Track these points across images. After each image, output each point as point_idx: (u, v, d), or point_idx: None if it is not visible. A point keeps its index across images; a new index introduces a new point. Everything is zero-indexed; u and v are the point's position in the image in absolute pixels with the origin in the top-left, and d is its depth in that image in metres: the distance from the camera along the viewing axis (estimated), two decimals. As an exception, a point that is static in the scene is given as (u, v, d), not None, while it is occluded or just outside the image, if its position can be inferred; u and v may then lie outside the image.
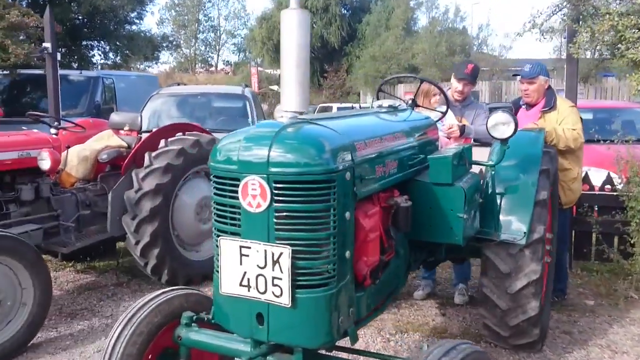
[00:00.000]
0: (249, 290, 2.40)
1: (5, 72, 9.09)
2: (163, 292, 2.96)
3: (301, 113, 2.77)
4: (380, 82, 4.75)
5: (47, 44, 7.21)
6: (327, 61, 45.56)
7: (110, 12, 23.68)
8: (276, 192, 2.31)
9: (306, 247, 2.34)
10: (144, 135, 5.79)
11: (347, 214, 2.46)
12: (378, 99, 4.42)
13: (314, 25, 44.53)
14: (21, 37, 8.97)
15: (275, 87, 41.84)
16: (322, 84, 45.37)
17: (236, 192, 2.38)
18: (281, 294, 2.33)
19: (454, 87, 4.94)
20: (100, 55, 26.50)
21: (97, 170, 5.53)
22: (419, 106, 4.29)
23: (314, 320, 2.37)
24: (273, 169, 2.30)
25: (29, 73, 9.79)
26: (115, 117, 5.93)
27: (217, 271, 2.52)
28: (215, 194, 2.51)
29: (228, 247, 2.42)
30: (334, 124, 2.68)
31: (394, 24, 37.02)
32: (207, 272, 5.54)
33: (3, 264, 3.91)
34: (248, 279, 2.40)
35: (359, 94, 43.33)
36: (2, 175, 4.57)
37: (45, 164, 4.54)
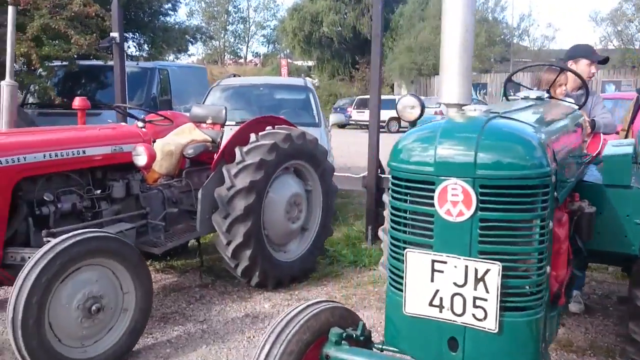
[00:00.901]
0: (441, 312, 2.08)
1: (64, 62, 8.89)
2: (308, 306, 2.67)
3: (462, 106, 2.44)
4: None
5: (114, 34, 6.96)
6: (358, 53, 45.03)
7: (145, 3, 23.59)
8: (483, 198, 1.98)
9: (515, 263, 2.01)
10: (228, 129, 5.53)
11: (551, 223, 2.13)
12: (506, 90, 4.06)
13: (345, 16, 44.16)
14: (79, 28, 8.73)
15: (308, 79, 41.82)
16: (353, 76, 44.91)
17: (430, 197, 2.05)
18: (485, 317, 2.01)
19: (589, 71, 4.53)
20: (135, 47, 26.47)
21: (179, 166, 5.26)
22: (554, 98, 3.90)
23: (522, 347, 2.05)
24: (481, 172, 1.97)
25: (82, 64, 9.60)
26: (197, 109, 5.65)
27: (396, 287, 2.21)
28: (395, 198, 2.19)
29: (416, 261, 2.10)
30: (524, 118, 2.34)
31: (430, 14, 36.34)
32: (295, 274, 5.27)
33: (106, 267, 3.66)
34: (441, 299, 2.08)
35: (392, 86, 42.78)
36: (93, 171, 4.32)
37: (141, 159, 4.27)
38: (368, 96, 28.67)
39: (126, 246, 3.72)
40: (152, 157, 4.29)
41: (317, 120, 8.30)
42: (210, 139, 5.34)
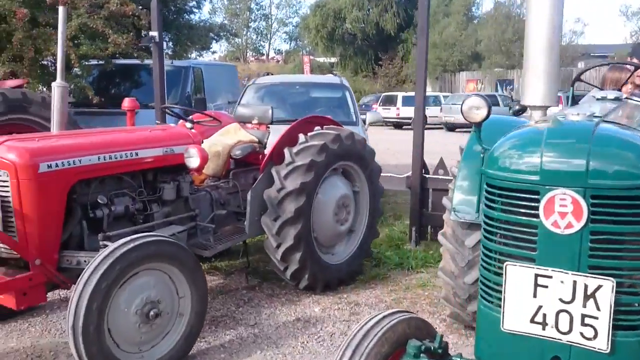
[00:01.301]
0: (544, 329, 1.96)
1: (100, 62, 8.88)
2: (384, 317, 2.56)
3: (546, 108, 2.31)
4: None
5: (153, 33, 6.92)
6: (381, 49, 44.76)
7: (170, 1, 23.65)
8: (594, 209, 1.85)
9: (629, 279, 1.88)
10: (274, 129, 5.45)
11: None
12: (574, 89, 3.92)
13: (368, 12, 43.89)
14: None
15: (332, 76, 41.66)
16: (376, 72, 44.64)
17: (533, 208, 1.93)
18: (595, 336, 1.88)
19: None
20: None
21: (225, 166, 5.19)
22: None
23: (633, 368, 1.92)
24: (593, 181, 1.85)
25: (116, 63, 9.59)
26: (242, 109, 5.57)
27: (490, 301, 2.09)
28: (491, 207, 2.08)
29: (517, 275, 1.98)
30: (626, 122, 2.20)
31: (454, 9, 36.01)
32: (342, 276, 5.18)
33: (162, 271, 3.60)
34: (544, 315, 1.96)
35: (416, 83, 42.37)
36: (145, 173, 4.26)
37: (193, 161, 4.20)
38: (394, 93, 28.49)
39: (183, 250, 3.66)
40: (204, 159, 4.21)
41: (354, 119, 8.19)
42: (257, 140, 5.26)
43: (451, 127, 25.12)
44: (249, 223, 4.71)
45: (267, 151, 5.43)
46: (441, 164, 6.44)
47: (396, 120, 27.47)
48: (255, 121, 5.45)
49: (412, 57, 39.33)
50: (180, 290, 3.70)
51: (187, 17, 27.83)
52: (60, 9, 4.28)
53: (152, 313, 3.49)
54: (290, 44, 63.15)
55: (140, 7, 8.58)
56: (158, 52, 7.00)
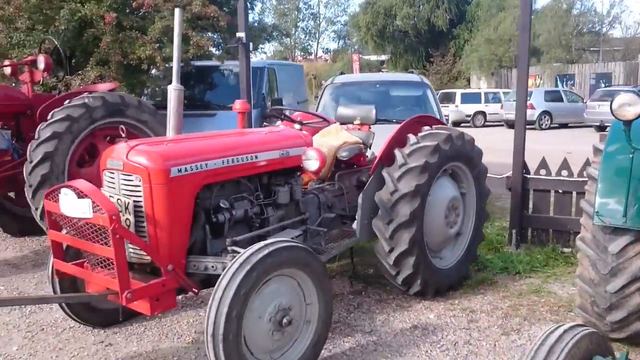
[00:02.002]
0: None
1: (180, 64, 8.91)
2: (565, 332, 2.40)
3: None
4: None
5: (240, 34, 6.90)
6: (432, 46, 44.11)
7: (224, 3, 23.86)
8: None
9: None
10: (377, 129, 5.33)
11: None
12: None
13: (419, 8, 43.32)
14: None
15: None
16: (427, 70, 44.03)
17: None
18: None
19: None
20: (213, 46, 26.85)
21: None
22: None
23: None
24: None
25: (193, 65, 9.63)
26: (344, 110, 5.47)
27: None
28: None
29: None
30: None
31: (510, 3, 35.10)
32: (452, 281, 5.01)
33: (292, 277, 3.51)
34: None
35: (469, 79, 41.65)
36: (260, 176, 4.19)
37: (312, 164, 4.11)
38: (452, 90, 27.96)
39: (312, 256, 3.56)
40: (323, 162, 4.12)
41: (438, 118, 7.97)
42: (361, 141, 5.14)
43: (513, 124, 24.46)
44: (359, 226, 4.59)
45: (370, 152, 5.33)
46: (543, 164, 6.17)
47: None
48: (357, 121, 5.33)
49: (465, 53, 38.68)
50: (307, 297, 3.62)
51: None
52: (177, 11, 4.25)
53: (285, 320, 3.41)
54: (338, 42, 63.06)
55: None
56: (245, 52, 6.97)
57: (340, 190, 5.00)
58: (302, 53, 63.64)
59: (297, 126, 4.73)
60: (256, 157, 4.01)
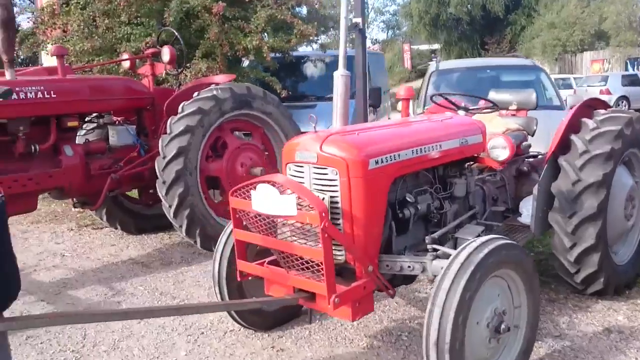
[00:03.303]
0: None
1: (278, 54, 8.67)
2: None
3: None
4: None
5: (357, 19, 6.59)
6: (487, 33, 42.92)
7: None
8: None
9: None
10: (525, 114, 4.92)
11: None
12: None
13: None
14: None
15: (434, 63, 40.38)
16: (482, 57, 42.86)
17: None
18: None
19: None
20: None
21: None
22: None
23: None
24: None
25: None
26: (496, 94, 5.08)
27: None
28: None
29: None
30: None
31: (573, -14, 33.80)
32: (629, 279, 4.59)
33: (503, 278, 3.17)
34: None
35: (530, 65, 40.30)
36: (437, 168, 3.85)
37: (502, 153, 3.77)
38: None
39: (525, 255, 3.22)
40: (513, 150, 3.76)
41: (559, 103, 7.50)
42: (522, 127, 4.74)
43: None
44: (534, 220, 4.21)
45: (532, 139, 4.94)
46: None
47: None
48: (512, 107, 4.94)
49: (525, 39, 37.47)
50: (515, 300, 3.27)
51: (297, 9, 27.86)
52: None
53: (502, 326, 3.08)
54: (387, 32, 62.19)
55: None
56: (361, 39, 6.66)
57: (502, 181, 4.63)
58: (350, 44, 62.98)
59: (461, 113, 4.38)
60: (440, 146, 3.67)
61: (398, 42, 53.73)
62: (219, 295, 3.93)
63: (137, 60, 6.45)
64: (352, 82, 9.21)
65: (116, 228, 6.67)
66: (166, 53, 5.83)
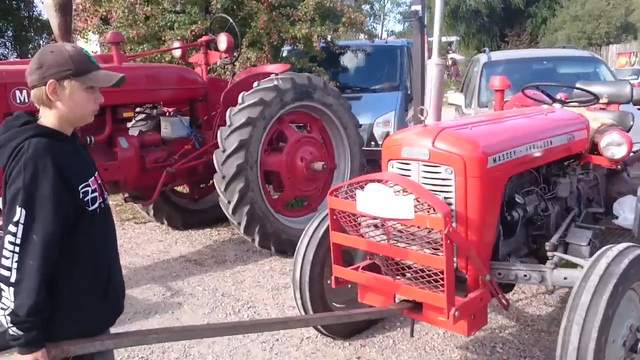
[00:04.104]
0: None
1: (323, 43, 8.31)
2: None
3: None
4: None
5: (416, 7, 6.25)
6: (507, 25, 42.29)
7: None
8: None
9: None
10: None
11: None
12: None
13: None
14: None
15: (455, 56, 39.74)
16: (502, 50, 42.22)
17: None
18: None
19: None
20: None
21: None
22: None
23: None
24: None
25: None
26: (584, 87, 4.73)
27: None
28: None
29: None
30: None
31: (597, -22, 33.08)
32: None
33: (636, 291, 2.85)
34: None
35: (549, 59, 39.63)
36: (541, 166, 3.53)
37: (619, 150, 3.44)
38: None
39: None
40: (631, 147, 3.42)
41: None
42: (616, 123, 4.40)
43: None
44: (638, 225, 3.87)
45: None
46: None
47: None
48: (604, 100, 4.59)
49: (547, 31, 36.86)
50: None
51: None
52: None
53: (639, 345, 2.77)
54: (404, 24, 61.52)
55: None
56: (420, 27, 6.32)
57: (595, 180, 4.29)
58: (366, 36, 62.46)
59: (557, 105, 4.04)
60: (551, 142, 3.35)
61: (414, 34, 53.07)
62: (299, 301, 3.65)
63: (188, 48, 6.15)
64: (393, 76, 8.94)
65: (162, 223, 6.39)
66: (223, 41, 5.51)
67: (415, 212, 2.66)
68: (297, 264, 3.62)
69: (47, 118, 1.95)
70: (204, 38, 5.83)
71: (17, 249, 1.79)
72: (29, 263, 1.79)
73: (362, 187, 2.85)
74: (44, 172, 1.82)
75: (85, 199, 1.92)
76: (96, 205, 1.97)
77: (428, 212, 2.65)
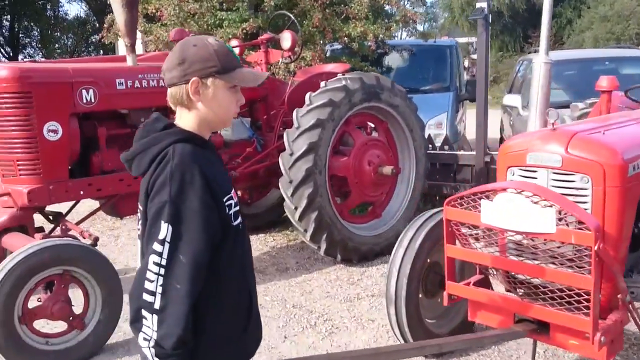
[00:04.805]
0: None
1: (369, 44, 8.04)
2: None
3: None
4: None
5: (482, 3, 5.95)
6: (530, 26, 41.66)
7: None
8: None
9: None
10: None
11: None
12: None
13: (518, -14, 40.98)
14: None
15: (475, 56, 39.39)
16: (525, 51, 41.65)
17: None
18: None
19: None
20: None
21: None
22: None
23: None
24: None
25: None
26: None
27: None
28: None
29: None
30: None
31: (625, -22, 32.42)
32: None
33: None
34: None
35: (575, 61, 39.01)
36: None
37: None
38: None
39: None
40: None
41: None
42: None
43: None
44: None
45: None
46: None
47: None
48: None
49: (573, 32, 36.25)
50: None
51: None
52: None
53: None
54: (424, 25, 61.11)
55: None
56: (485, 25, 6.02)
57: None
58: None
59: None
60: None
61: (436, 35, 52.67)
62: (393, 317, 3.39)
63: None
64: (443, 76, 8.66)
65: (214, 227, 6.15)
66: (287, 39, 5.25)
67: (558, 225, 2.39)
68: (391, 277, 3.36)
69: (185, 121, 1.72)
70: (265, 36, 5.59)
71: (162, 270, 1.55)
72: (175, 287, 1.55)
73: (487, 197, 2.58)
74: (192, 183, 1.58)
75: (229, 213, 1.68)
76: (239, 220, 1.72)
77: (575, 226, 2.38)
